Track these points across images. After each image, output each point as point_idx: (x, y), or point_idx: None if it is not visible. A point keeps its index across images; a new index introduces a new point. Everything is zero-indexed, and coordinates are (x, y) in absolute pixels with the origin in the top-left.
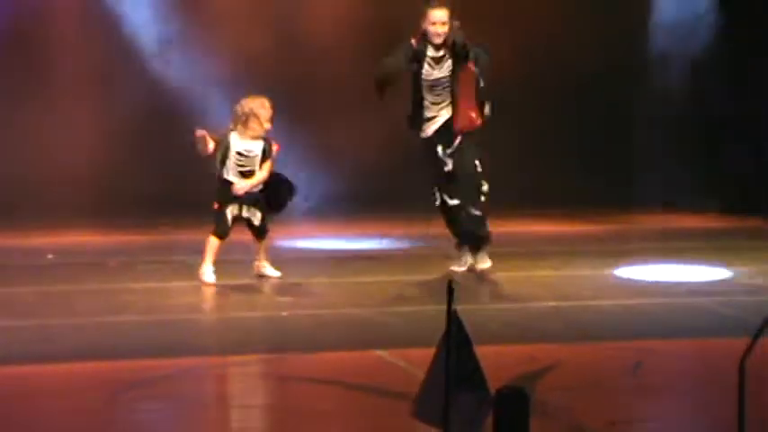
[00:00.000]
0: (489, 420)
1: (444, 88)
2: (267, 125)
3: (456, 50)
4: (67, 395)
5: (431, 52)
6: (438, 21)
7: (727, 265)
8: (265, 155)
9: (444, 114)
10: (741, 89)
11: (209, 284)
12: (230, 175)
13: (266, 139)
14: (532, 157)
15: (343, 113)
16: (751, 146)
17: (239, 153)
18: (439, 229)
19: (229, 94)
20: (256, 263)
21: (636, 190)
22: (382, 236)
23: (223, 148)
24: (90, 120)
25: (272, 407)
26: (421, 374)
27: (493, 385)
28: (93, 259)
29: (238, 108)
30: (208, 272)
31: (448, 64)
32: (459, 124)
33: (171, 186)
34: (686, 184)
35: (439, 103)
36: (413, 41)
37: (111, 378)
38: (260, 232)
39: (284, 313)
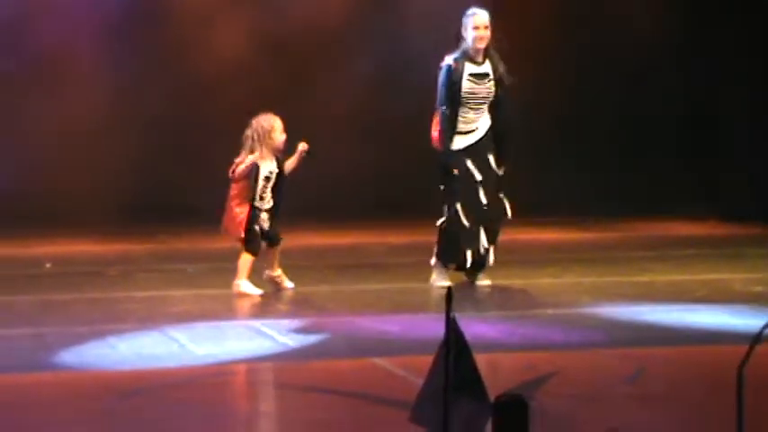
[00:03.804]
0: (488, 428)
1: (482, 103)
2: (282, 136)
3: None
4: (66, 404)
5: (471, 68)
6: (481, 25)
7: (726, 271)
8: (281, 174)
9: (479, 129)
10: (740, 92)
11: (255, 295)
12: (257, 200)
13: (278, 158)
14: (531, 165)
15: (341, 120)
16: (751, 151)
17: (266, 178)
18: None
19: (224, 104)
20: (269, 272)
21: (635, 197)
22: (381, 243)
23: (254, 174)
24: (88, 130)
25: (269, 415)
26: (419, 382)
27: (492, 393)
28: (91, 268)
29: (257, 128)
30: (245, 284)
31: (491, 84)
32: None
33: (170, 195)
34: (686, 190)
35: (473, 119)
36: (451, 63)
37: (111, 387)
38: (273, 239)
39: (284, 321)
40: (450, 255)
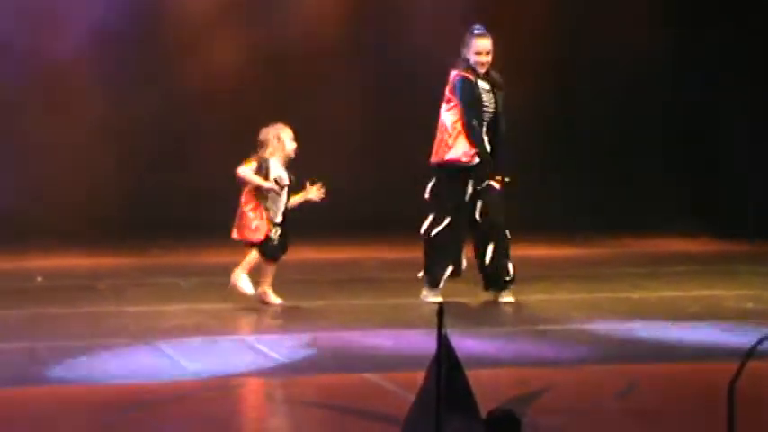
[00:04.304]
0: None
1: (491, 121)
2: (293, 145)
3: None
4: (58, 418)
5: (483, 85)
6: (483, 50)
7: (718, 288)
8: (291, 184)
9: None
10: (732, 107)
11: (247, 295)
12: (269, 203)
13: (288, 173)
14: (522, 181)
15: (338, 134)
16: (742, 169)
17: (275, 181)
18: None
19: (213, 113)
20: (261, 288)
21: (625, 212)
22: (375, 259)
23: (263, 175)
24: (80, 143)
25: (262, 430)
26: (410, 397)
27: (484, 408)
28: (83, 282)
29: (268, 136)
30: (244, 280)
31: (494, 101)
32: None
33: (162, 209)
34: (677, 207)
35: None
36: (468, 76)
37: (103, 401)
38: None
39: (276, 336)
40: (437, 268)
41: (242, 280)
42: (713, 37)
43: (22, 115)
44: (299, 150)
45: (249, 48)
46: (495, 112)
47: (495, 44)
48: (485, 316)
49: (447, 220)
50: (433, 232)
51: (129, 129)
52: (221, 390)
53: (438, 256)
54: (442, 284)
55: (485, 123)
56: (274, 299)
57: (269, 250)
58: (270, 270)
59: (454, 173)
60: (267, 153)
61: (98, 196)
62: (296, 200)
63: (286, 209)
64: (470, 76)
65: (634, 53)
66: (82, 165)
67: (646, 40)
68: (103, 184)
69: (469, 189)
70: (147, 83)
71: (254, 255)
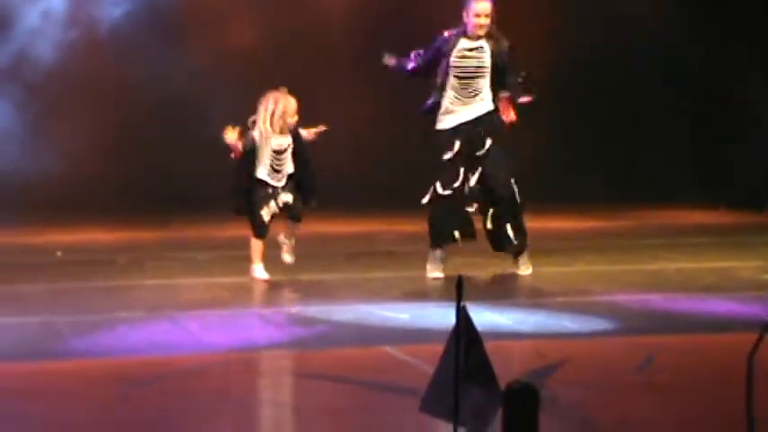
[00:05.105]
0: (498, 416)
1: (474, 79)
2: (294, 118)
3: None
4: (76, 392)
5: (465, 44)
6: (482, 13)
7: (736, 259)
8: (297, 144)
9: (471, 110)
10: (747, 78)
11: (263, 281)
12: (265, 174)
13: (293, 131)
14: (536, 154)
15: (350, 106)
16: (757, 140)
17: (274, 150)
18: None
19: (232, 89)
20: (281, 237)
21: (642, 185)
22: (392, 231)
23: (250, 145)
24: (98, 117)
25: (279, 403)
26: (430, 370)
27: (502, 380)
28: (102, 257)
29: (265, 105)
30: (259, 270)
31: (486, 56)
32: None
33: (180, 183)
34: (692, 178)
35: (466, 97)
36: (446, 34)
37: (121, 374)
38: (295, 215)
39: (293, 310)
40: (436, 237)
41: (254, 271)
42: (729, 7)
43: (42, 93)
44: (318, 122)
45: (267, 29)
46: (483, 68)
47: (497, 10)
48: (503, 288)
49: (435, 186)
50: (425, 200)
51: (148, 104)
52: (239, 363)
53: (432, 225)
54: (442, 256)
55: (466, 80)
56: (286, 256)
57: (255, 230)
58: (291, 229)
59: (440, 135)
60: (261, 124)
61: (117, 171)
62: (307, 134)
63: (301, 161)
64: (448, 35)
65: (650, 28)
66: (101, 140)
67: (663, 13)
68: (122, 159)
69: (456, 148)
70: (166, 62)
71: (254, 243)
